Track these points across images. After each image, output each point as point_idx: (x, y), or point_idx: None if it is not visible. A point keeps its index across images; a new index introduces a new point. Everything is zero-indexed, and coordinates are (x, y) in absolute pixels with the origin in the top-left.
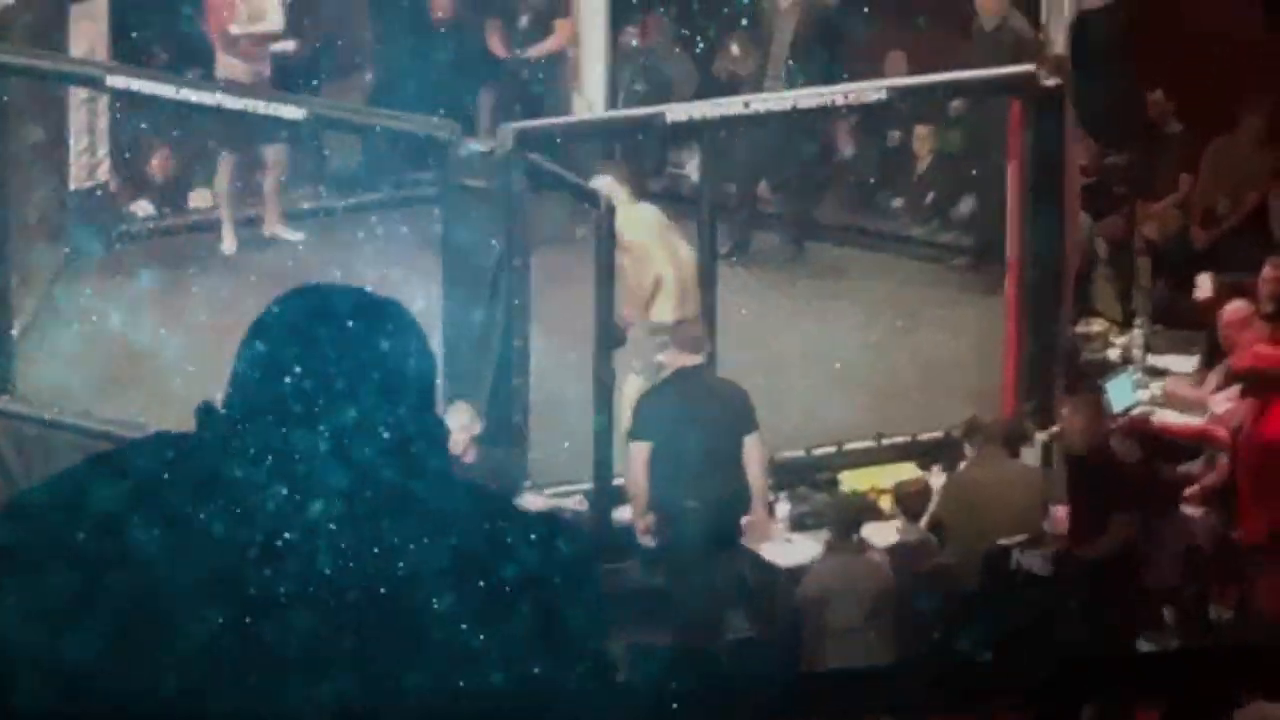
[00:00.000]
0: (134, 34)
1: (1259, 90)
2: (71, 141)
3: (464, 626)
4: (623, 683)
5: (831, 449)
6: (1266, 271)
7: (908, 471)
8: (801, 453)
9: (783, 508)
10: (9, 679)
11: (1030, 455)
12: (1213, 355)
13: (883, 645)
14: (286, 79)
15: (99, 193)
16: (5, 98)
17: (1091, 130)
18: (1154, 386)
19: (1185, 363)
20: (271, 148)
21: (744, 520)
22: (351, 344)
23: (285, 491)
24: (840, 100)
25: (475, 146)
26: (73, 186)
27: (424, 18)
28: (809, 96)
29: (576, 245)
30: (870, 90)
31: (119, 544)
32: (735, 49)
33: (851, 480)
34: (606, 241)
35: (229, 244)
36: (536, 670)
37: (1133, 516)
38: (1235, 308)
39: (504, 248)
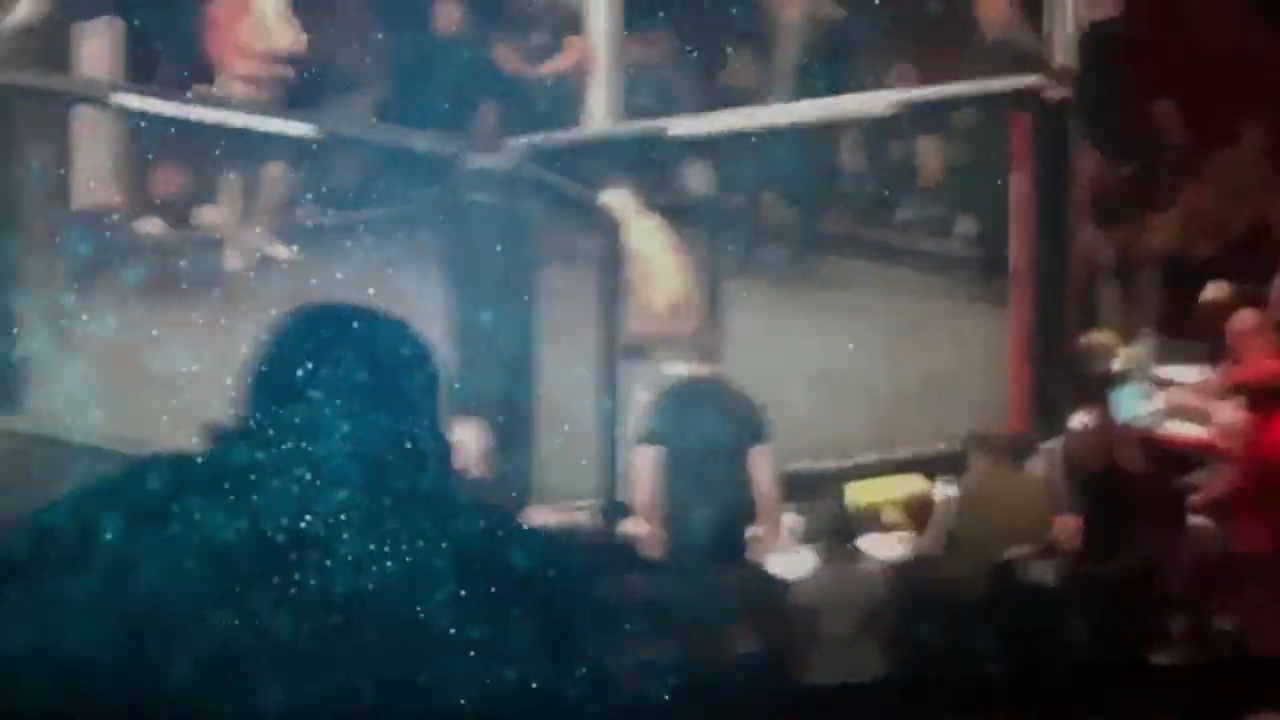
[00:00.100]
0: (139, 52)
1: (1265, 102)
2: (78, 160)
3: (469, 642)
4: (627, 698)
5: (838, 462)
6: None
7: (914, 484)
8: (807, 466)
9: (790, 521)
10: (13, 694)
11: (1036, 467)
12: (1219, 365)
13: (876, 656)
14: (292, 95)
15: (105, 212)
16: (10, 117)
17: (1097, 142)
18: (1159, 397)
19: (1191, 373)
20: (272, 165)
21: (751, 533)
22: (358, 361)
23: (292, 509)
24: (845, 113)
25: (481, 162)
26: (80, 205)
27: (430, 32)
28: (814, 109)
29: (583, 260)
30: (875, 103)
31: (126, 563)
32: (740, 62)
33: (858, 492)
34: (613, 256)
35: (235, 261)
36: (540, 686)
37: (1150, 532)
38: (1244, 317)
39: (509, 262)
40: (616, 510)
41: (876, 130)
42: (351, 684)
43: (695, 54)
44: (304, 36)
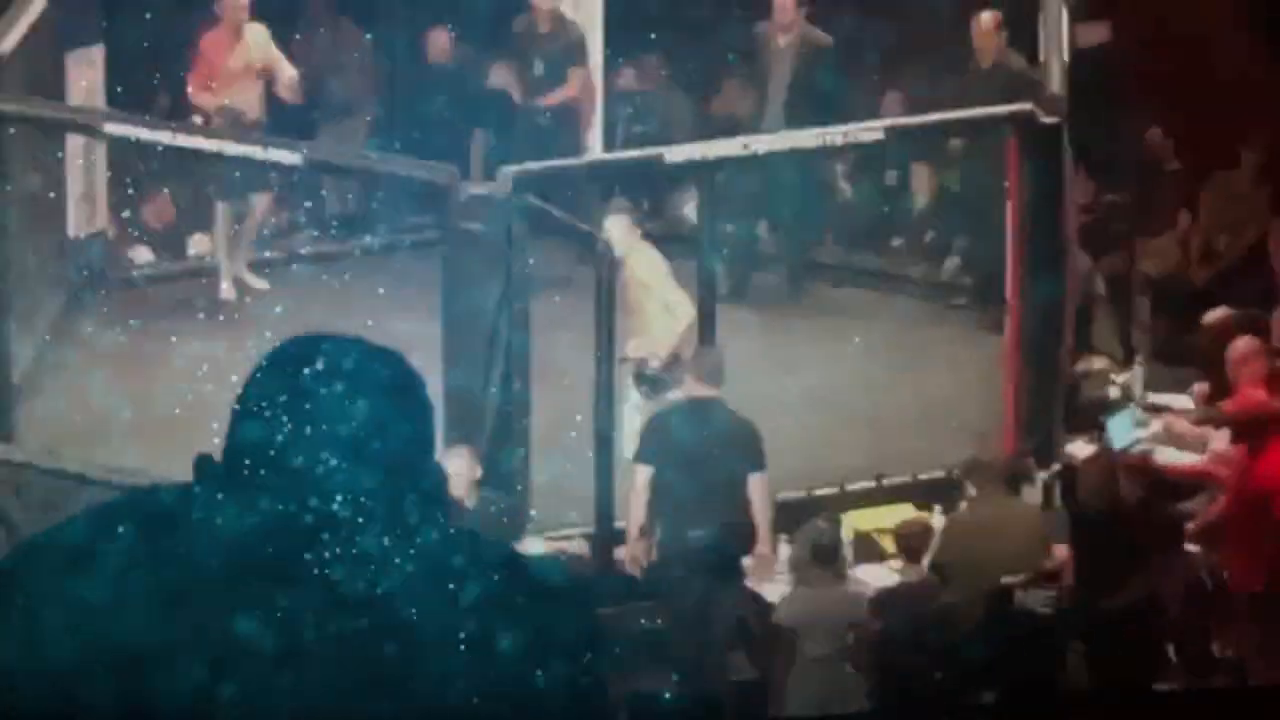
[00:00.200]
0: (131, 80)
1: (1257, 127)
2: (69, 188)
3: (461, 673)
4: None
5: (832, 490)
6: None
7: (908, 512)
8: (802, 494)
9: (784, 550)
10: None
11: (1031, 494)
12: (1217, 393)
13: (855, 677)
14: (284, 123)
15: (97, 239)
16: (3, 146)
17: (1090, 168)
18: (1154, 424)
19: (1185, 400)
20: (264, 194)
21: (746, 561)
22: (348, 393)
23: (282, 541)
24: (838, 140)
25: (474, 190)
26: (71, 233)
27: (422, 61)
28: (807, 137)
29: (576, 288)
30: (868, 130)
31: (117, 594)
32: (732, 90)
33: (853, 521)
34: (609, 283)
35: (227, 291)
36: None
37: (1148, 560)
38: (1241, 343)
39: (503, 290)
40: (610, 540)
41: (870, 157)
42: (341, 711)
43: (689, 81)
44: (293, 67)
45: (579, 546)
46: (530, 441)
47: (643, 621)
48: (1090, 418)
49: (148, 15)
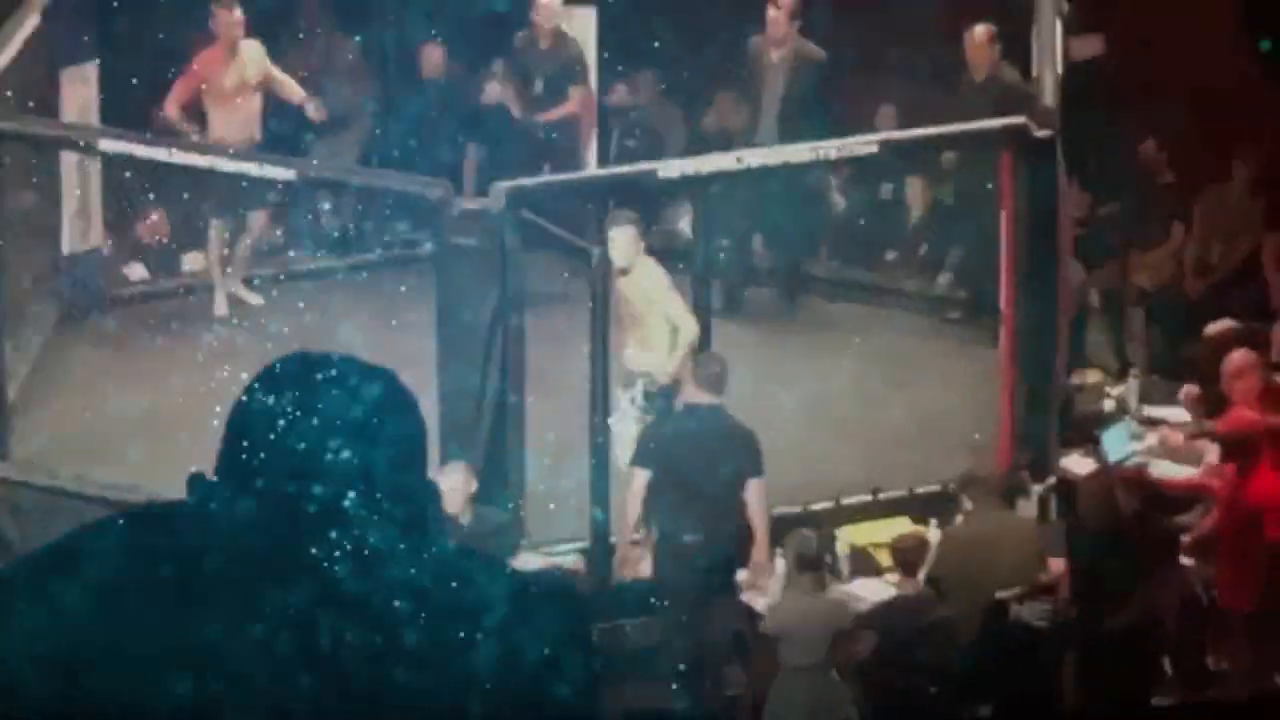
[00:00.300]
0: (125, 97)
1: (1250, 139)
2: (64, 205)
3: (458, 690)
4: None
5: (828, 504)
6: None
7: (904, 526)
8: (798, 508)
9: (780, 564)
10: None
11: (1027, 508)
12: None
13: (842, 686)
14: (278, 139)
15: (92, 256)
16: None
17: (1084, 181)
18: (1149, 436)
19: (1180, 413)
20: (258, 210)
21: (742, 575)
22: (340, 412)
23: (275, 557)
24: (832, 154)
25: (467, 205)
26: (66, 250)
27: (416, 76)
28: (801, 151)
29: (571, 303)
30: (862, 144)
31: (110, 611)
32: (726, 104)
33: (849, 535)
34: (603, 297)
35: (221, 307)
36: None
37: (1145, 573)
38: (1237, 356)
39: (498, 306)
40: (605, 554)
41: (864, 171)
42: None
43: (681, 97)
44: (289, 82)
45: (574, 562)
46: (525, 457)
47: (639, 636)
48: (1085, 431)
49: (142, 32)
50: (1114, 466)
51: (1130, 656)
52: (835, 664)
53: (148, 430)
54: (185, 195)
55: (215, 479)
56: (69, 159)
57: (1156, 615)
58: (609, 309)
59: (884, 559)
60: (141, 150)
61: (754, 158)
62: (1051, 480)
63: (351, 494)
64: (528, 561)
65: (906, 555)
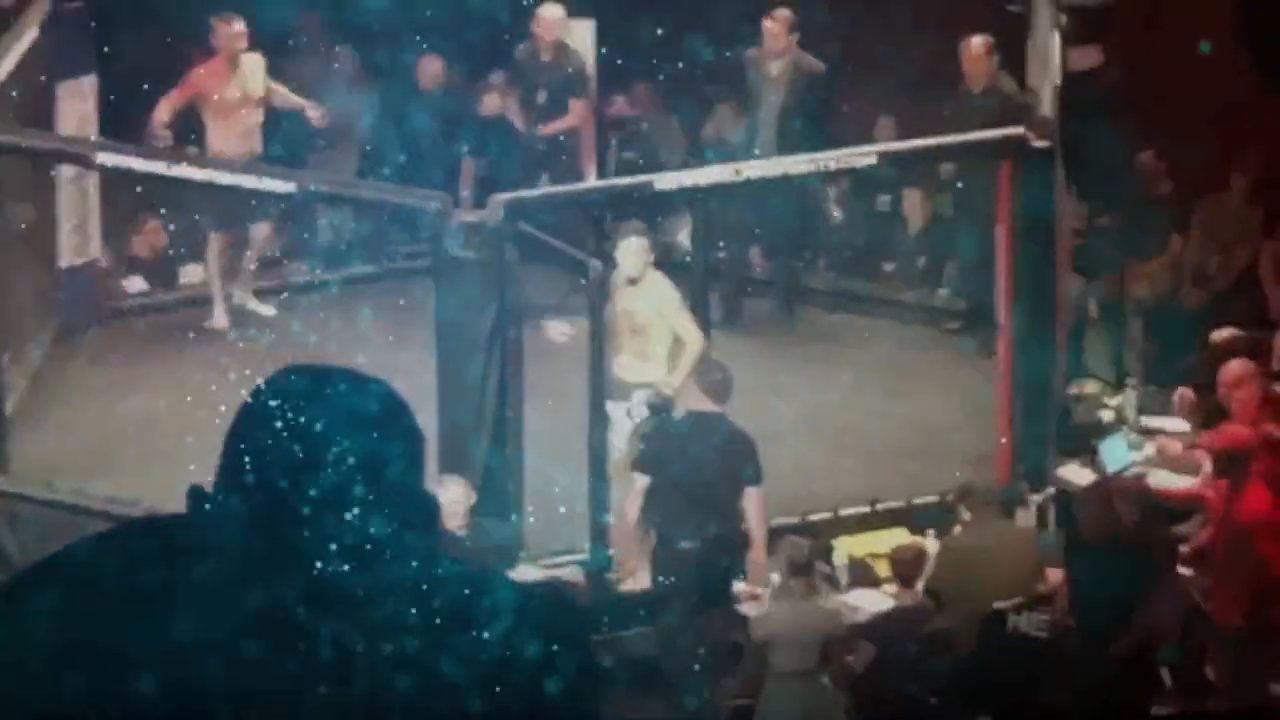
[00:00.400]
0: (123, 111)
1: (1248, 149)
2: (62, 218)
3: (456, 701)
4: None
5: (826, 515)
6: None
7: (902, 537)
8: (796, 519)
9: (776, 577)
10: None
11: (1025, 518)
12: (1209, 411)
13: (835, 693)
14: (277, 152)
15: (90, 269)
16: None
17: (1081, 191)
18: (1147, 447)
19: (1178, 423)
20: (257, 223)
21: (741, 586)
22: (338, 424)
23: (275, 571)
24: (830, 166)
25: (465, 218)
26: (63, 263)
27: (415, 89)
28: (799, 162)
29: (570, 315)
30: (860, 155)
31: (110, 624)
32: (724, 116)
33: (847, 546)
34: (600, 307)
35: (220, 320)
36: None
37: (1143, 584)
38: (1235, 365)
39: (496, 318)
40: (603, 564)
41: (862, 183)
42: None
43: (680, 109)
44: (287, 93)
45: (573, 574)
46: (524, 469)
47: (637, 646)
48: (1083, 441)
49: (139, 47)
50: (1112, 477)
51: (1129, 667)
52: (828, 671)
53: (146, 443)
54: (184, 208)
55: (215, 491)
56: (66, 172)
57: (1156, 626)
58: (605, 321)
59: (882, 570)
60: (139, 164)
61: (752, 169)
62: (1050, 491)
63: (351, 506)
64: (526, 574)
65: (905, 566)
